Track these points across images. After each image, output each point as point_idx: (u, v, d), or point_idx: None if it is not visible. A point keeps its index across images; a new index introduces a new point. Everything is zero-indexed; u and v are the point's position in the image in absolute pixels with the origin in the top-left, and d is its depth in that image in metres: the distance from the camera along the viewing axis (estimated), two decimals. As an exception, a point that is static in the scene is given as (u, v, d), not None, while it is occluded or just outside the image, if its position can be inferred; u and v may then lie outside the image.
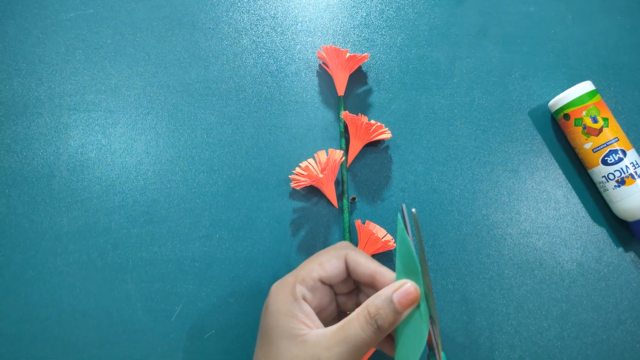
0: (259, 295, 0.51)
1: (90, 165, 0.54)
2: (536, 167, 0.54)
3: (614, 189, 0.50)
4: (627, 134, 0.52)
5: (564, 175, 0.54)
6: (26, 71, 0.56)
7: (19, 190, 0.53)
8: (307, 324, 0.34)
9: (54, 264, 0.51)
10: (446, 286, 0.51)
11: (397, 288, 0.33)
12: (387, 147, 0.54)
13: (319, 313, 0.37)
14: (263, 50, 0.56)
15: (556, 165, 0.54)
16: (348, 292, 0.40)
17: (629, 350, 0.50)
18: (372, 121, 0.51)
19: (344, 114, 0.52)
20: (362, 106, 0.55)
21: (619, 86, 0.56)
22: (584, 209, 0.53)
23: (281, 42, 0.57)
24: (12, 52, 0.56)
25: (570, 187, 0.54)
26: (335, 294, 0.40)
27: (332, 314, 0.40)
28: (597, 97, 0.51)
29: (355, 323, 0.33)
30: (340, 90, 0.54)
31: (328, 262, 0.37)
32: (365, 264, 0.37)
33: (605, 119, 0.50)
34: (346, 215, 0.51)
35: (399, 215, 0.35)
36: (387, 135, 0.52)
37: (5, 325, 0.50)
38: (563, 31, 0.57)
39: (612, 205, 0.51)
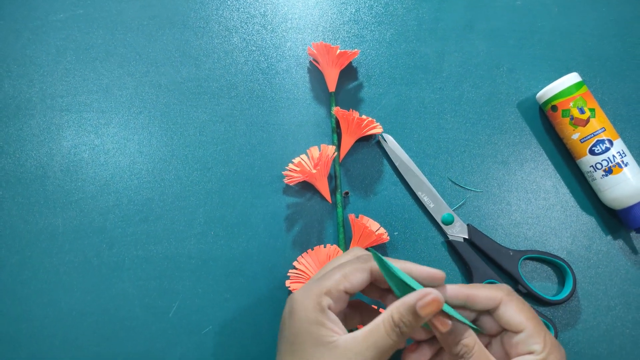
0: (255, 291, 0.51)
1: (84, 165, 0.54)
2: (525, 159, 0.55)
3: (601, 178, 0.51)
4: (614, 124, 0.53)
5: (552, 166, 0.55)
6: (17, 73, 0.56)
7: (13, 192, 0.53)
8: (336, 331, 0.35)
9: (50, 264, 0.52)
10: (439, 277, 0.52)
11: (421, 297, 0.35)
12: (379, 141, 0.55)
13: (341, 319, 0.39)
14: (254, 48, 0.57)
15: (545, 156, 0.55)
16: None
17: (618, 336, 0.51)
18: (363, 116, 0.52)
19: (336, 109, 0.52)
20: (353, 102, 0.56)
21: (605, 77, 0.57)
22: (572, 198, 0.54)
23: (271, 39, 0.57)
24: (3, 54, 0.56)
25: (559, 177, 0.55)
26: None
27: (349, 317, 0.42)
28: (584, 89, 0.52)
29: (382, 328, 0.35)
30: (331, 86, 0.55)
31: (353, 275, 0.37)
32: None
33: (592, 110, 0.51)
34: (340, 209, 0.52)
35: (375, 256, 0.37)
36: (378, 130, 0.53)
37: (3, 325, 0.50)
38: (549, 24, 0.58)
39: (600, 194, 0.52)
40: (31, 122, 0.55)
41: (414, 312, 0.34)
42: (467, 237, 0.52)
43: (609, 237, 0.54)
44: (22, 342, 0.50)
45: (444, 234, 0.53)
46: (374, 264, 0.38)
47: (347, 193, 0.53)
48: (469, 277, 0.51)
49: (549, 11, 0.58)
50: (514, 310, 0.38)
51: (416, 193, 0.53)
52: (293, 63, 0.56)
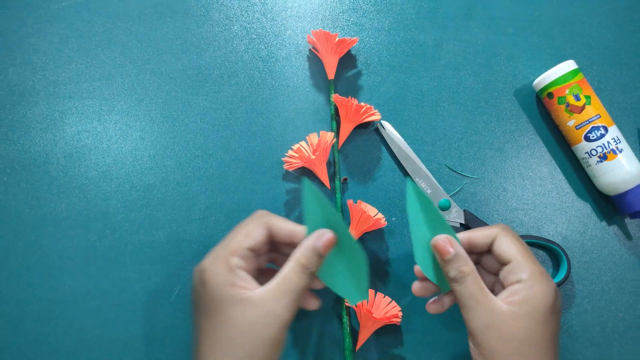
0: (255, 274, 0.52)
1: (87, 151, 0.55)
2: (522, 146, 0.56)
3: (596, 164, 0.52)
4: (609, 111, 0.54)
5: (548, 153, 0.56)
6: (21, 61, 0.56)
7: (18, 178, 0.54)
8: (249, 287, 0.37)
9: (54, 248, 0.53)
10: (436, 262, 0.53)
11: (318, 237, 0.39)
12: (377, 128, 0.56)
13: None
14: (254, 36, 0.57)
15: (541, 143, 0.56)
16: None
17: (612, 319, 0.52)
18: (362, 103, 0.53)
19: (335, 96, 0.53)
20: (352, 89, 0.56)
21: (602, 65, 0.57)
22: (568, 184, 0.55)
23: (271, 27, 0.58)
24: (6, 42, 0.57)
25: (555, 164, 0.55)
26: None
27: (255, 273, 0.43)
28: (580, 76, 0.53)
29: (292, 274, 0.38)
30: (330, 74, 0.55)
31: (254, 232, 0.40)
32: (285, 226, 0.41)
33: (588, 97, 0.52)
34: (338, 195, 0.53)
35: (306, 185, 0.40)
36: (376, 117, 0.54)
37: (9, 307, 0.52)
38: (547, 12, 0.58)
39: (595, 181, 0.53)
40: (35, 109, 0.56)
41: (317, 253, 0.39)
42: (463, 222, 0.53)
43: (604, 223, 0.54)
44: (27, 324, 0.52)
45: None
46: (269, 219, 0.41)
47: (345, 179, 0.54)
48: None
49: (547, 0, 0.58)
50: (505, 244, 0.40)
51: (413, 179, 0.54)
52: (293, 51, 0.57)
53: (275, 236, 0.41)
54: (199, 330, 0.38)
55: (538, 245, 0.54)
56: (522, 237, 0.52)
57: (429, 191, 0.54)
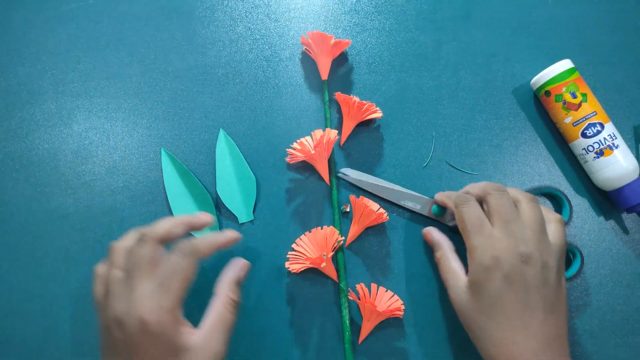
0: (258, 268, 0.53)
1: (94, 148, 0.56)
2: (520, 143, 0.57)
3: (593, 160, 0.53)
4: (605, 109, 0.55)
5: (546, 149, 0.57)
6: (30, 60, 0.58)
7: (27, 174, 0.55)
8: (188, 331, 0.41)
9: (61, 243, 0.54)
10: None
11: (234, 267, 0.46)
12: (379, 126, 0.57)
13: None
14: (258, 37, 0.59)
15: (539, 140, 0.57)
16: None
17: (610, 312, 0.53)
18: (364, 101, 0.54)
19: (337, 94, 0.54)
20: (354, 88, 0.58)
21: (598, 65, 0.58)
22: (565, 180, 0.56)
23: (275, 28, 0.59)
24: (16, 42, 0.58)
25: (553, 160, 0.57)
26: None
27: None
28: (576, 74, 0.54)
29: (225, 311, 0.42)
30: (324, 74, 0.56)
31: (191, 275, 0.42)
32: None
33: (584, 94, 0.53)
34: (335, 192, 0.54)
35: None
36: (378, 114, 0.55)
37: (17, 301, 0.52)
38: (544, 13, 0.60)
39: (592, 176, 0.54)
40: (43, 107, 0.57)
41: (239, 283, 0.45)
42: None
43: (601, 218, 0.55)
44: (34, 318, 0.52)
45: (442, 223, 0.55)
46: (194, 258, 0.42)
47: (346, 210, 0.55)
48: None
49: (544, 2, 0.60)
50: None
51: (398, 204, 0.54)
52: (296, 51, 0.58)
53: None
54: None
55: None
56: None
57: (417, 207, 0.54)
